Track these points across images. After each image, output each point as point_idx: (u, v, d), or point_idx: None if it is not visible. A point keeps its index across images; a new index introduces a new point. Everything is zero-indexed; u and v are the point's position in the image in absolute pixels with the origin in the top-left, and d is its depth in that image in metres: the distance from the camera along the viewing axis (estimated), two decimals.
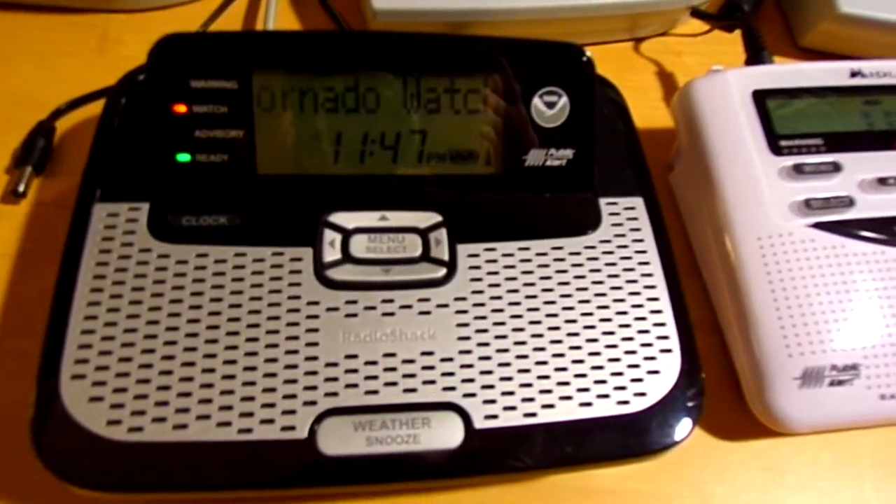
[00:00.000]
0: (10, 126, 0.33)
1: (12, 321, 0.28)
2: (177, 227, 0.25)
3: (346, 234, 0.26)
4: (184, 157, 0.26)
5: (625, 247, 0.27)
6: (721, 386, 0.29)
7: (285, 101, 0.26)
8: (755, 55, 0.35)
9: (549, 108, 0.28)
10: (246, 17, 0.39)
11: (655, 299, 0.26)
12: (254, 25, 0.38)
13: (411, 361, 0.24)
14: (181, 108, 0.26)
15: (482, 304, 0.25)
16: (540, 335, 0.25)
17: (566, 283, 0.26)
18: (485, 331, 0.25)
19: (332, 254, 0.26)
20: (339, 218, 0.26)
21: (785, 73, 0.31)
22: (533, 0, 0.36)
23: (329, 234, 0.26)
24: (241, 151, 0.26)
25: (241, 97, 0.26)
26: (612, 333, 0.25)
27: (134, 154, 0.27)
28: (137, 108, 0.27)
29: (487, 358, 0.24)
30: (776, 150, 0.30)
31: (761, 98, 0.31)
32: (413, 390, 0.23)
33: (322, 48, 0.26)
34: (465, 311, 0.25)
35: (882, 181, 0.29)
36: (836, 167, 0.29)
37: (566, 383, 0.24)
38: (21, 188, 0.30)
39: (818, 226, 0.28)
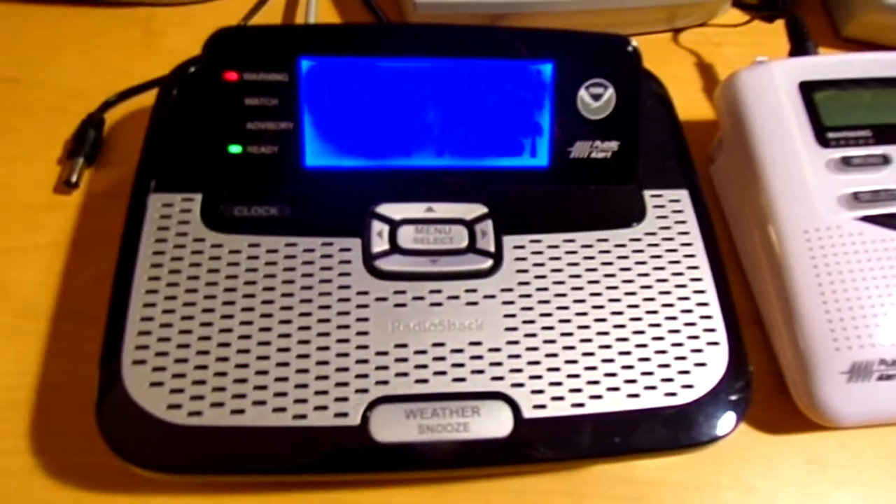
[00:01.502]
0: (60, 117, 0.33)
1: (68, 307, 0.29)
2: (229, 218, 0.26)
3: (394, 225, 0.27)
4: (235, 149, 0.26)
5: (670, 239, 0.27)
6: (763, 377, 0.29)
7: (333, 93, 0.27)
8: (800, 46, 0.34)
9: (595, 100, 0.28)
10: (286, 9, 0.39)
11: (702, 292, 0.26)
12: (294, 18, 0.39)
13: (460, 351, 0.24)
14: (233, 100, 0.26)
15: (528, 296, 0.25)
16: (586, 326, 0.25)
17: (612, 276, 0.26)
18: (531, 322, 0.25)
19: (380, 244, 0.26)
20: (386, 209, 0.27)
21: (832, 64, 0.31)
22: None
23: (377, 225, 0.26)
24: (290, 143, 0.27)
25: (291, 89, 0.26)
26: (658, 326, 0.25)
27: (186, 145, 0.27)
28: (190, 101, 0.28)
29: (534, 349, 0.24)
30: (823, 143, 0.29)
31: (808, 90, 0.30)
32: (462, 379, 0.24)
33: (371, 40, 0.27)
34: (511, 303, 0.25)
35: None
36: (884, 160, 0.29)
37: (613, 374, 0.24)
38: (74, 179, 0.31)
39: (866, 219, 0.28)
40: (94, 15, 0.37)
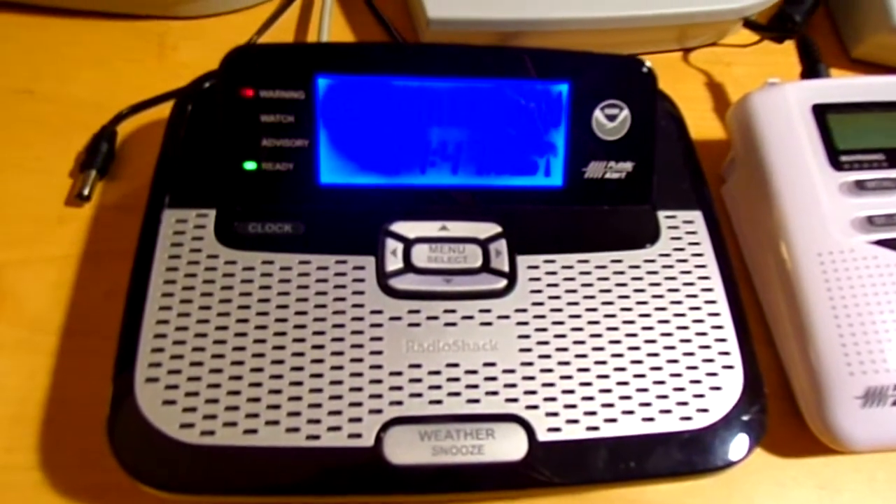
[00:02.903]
0: (73, 129, 0.33)
1: (79, 321, 0.29)
2: (243, 235, 0.26)
3: (408, 243, 0.27)
4: (250, 165, 0.26)
5: (684, 261, 0.27)
6: (775, 400, 0.29)
7: (349, 111, 0.27)
8: (811, 68, 0.35)
9: (611, 120, 0.28)
10: (299, 24, 0.39)
11: (716, 314, 0.26)
12: (307, 33, 0.39)
13: (474, 372, 0.24)
14: (249, 117, 0.26)
15: (542, 317, 0.25)
16: (601, 348, 0.25)
17: (626, 297, 0.26)
18: (546, 343, 0.25)
19: (394, 263, 0.26)
20: (400, 227, 0.27)
21: (845, 86, 0.31)
22: (585, 10, 0.36)
23: (391, 244, 0.26)
24: (305, 160, 0.27)
25: (307, 107, 0.26)
26: (672, 348, 0.25)
27: (201, 161, 0.27)
28: (205, 116, 0.28)
29: (549, 370, 0.24)
30: (837, 166, 0.29)
31: (821, 112, 0.30)
32: (476, 401, 0.24)
33: (387, 58, 0.27)
34: (525, 323, 0.25)
35: None
36: None
37: (628, 397, 0.24)
38: (86, 192, 0.31)
39: (881, 243, 0.28)
40: (108, 28, 0.37)
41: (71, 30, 0.37)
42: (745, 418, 0.24)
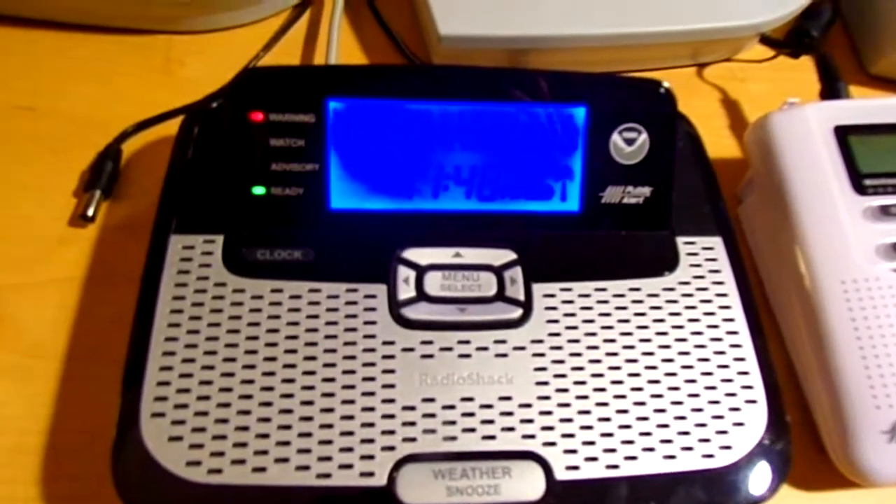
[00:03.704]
0: (77, 148, 0.33)
1: (83, 346, 0.28)
2: (251, 262, 0.25)
3: (420, 270, 0.26)
4: (259, 190, 0.26)
5: (704, 289, 0.26)
6: (797, 433, 0.28)
7: (360, 135, 0.26)
8: (831, 87, 0.34)
9: (629, 144, 0.27)
10: (306, 39, 0.39)
11: (738, 346, 0.25)
12: (314, 49, 0.38)
13: (489, 406, 0.23)
14: (258, 141, 0.25)
15: (559, 348, 0.25)
16: (620, 381, 0.24)
17: (645, 327, 0.25)
18: (563, 376, 0.24)
19: (406, 291, 0.25)
20: (412, 254, 0.26)
21: (868, 108, 0.30)
22: (599, 27, 0.35)
23: (403, 271, 0.26)
24: (315, 185, 0.26)
25: (317, 131, 0.26)
26: (694, 382, 0.24)
27: (208, 185, 0.26)
28: (212, 138, 0.27)
29: (566, 405, 0.24)
30: (860, 190, 0.29)
31: (843, 134, 0.30)
32: (492, 437, 0.23)
33: (399, 81, 0.26)
34: (542, 355, 0.24)
35: None
36: None
37: (648, 434, 0.23)
38: (90, 212, 0.30)
39: None
40: (112, 42, 0.37)
41: (74, 44, 0.36)
42: (769, 455, 0.24)
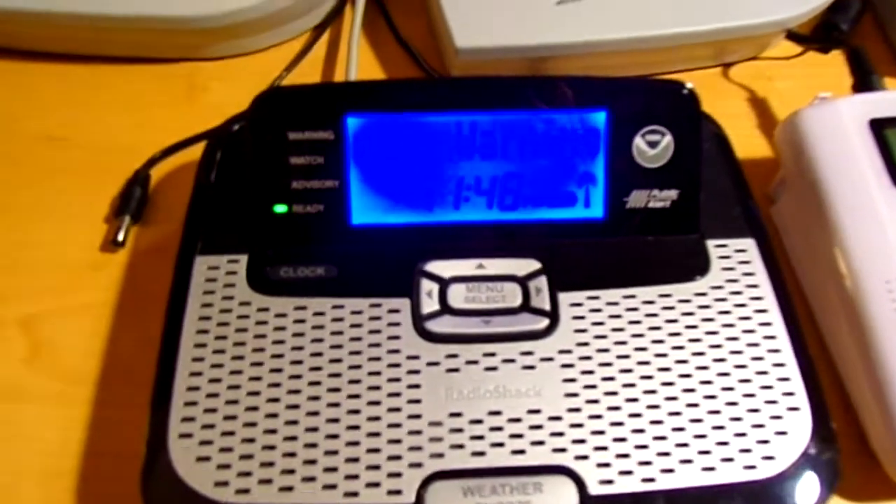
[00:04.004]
0: (106, 175, 0.34)
1: (115, 371, 0.28)
2: (275, 280, 0.25)
3: (444, 283, 0.26)
4: (281, 209, 0.26)
5: (738, 293, 0.26)
6: (843, 439, 0.27)
7: (380, 149, 0.26)
8: (864, 80, 0.33)
9: (652, 147, 0.26)
10: (326, 59, 0.39)
11: (777, 351, 0.24)
12: (335, 67, 0.39)
13: (518, 420, 0.23)
14: (279, 160, 0.26)
15: (588, 358, 0.24)
16: (653, 391, 0.23)
17: (677, 334, 0.25)
18: (593, 387, 0.23)
19: (430, 305, 0.25)
20: (435, 267, 0.26)
21: None
22: (618, 31, 0.35)
23: (426, 284, 0.25)
24: (336, 201, 0.26)
25: (337, 147, 0.26)
26: (731, 389, 0.23)
27: (231, 206, 0.27)
28: (234, 160, 0.28)
29: (598, 416, 0.23)
30: None
31: (879, 127, 0.28)
32: (521, 452, 0.22)
33: (417, 94, 0.26)
34: (570, 366, 0.24)
35: None
36: None
37: (685, 445, 0.22)
38: (120, 237, 0.31)
39: None
40: (137, 72, 0.38)
41: (101, 75, 0.37)
42: (815, 465, 0.22)
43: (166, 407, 0.23)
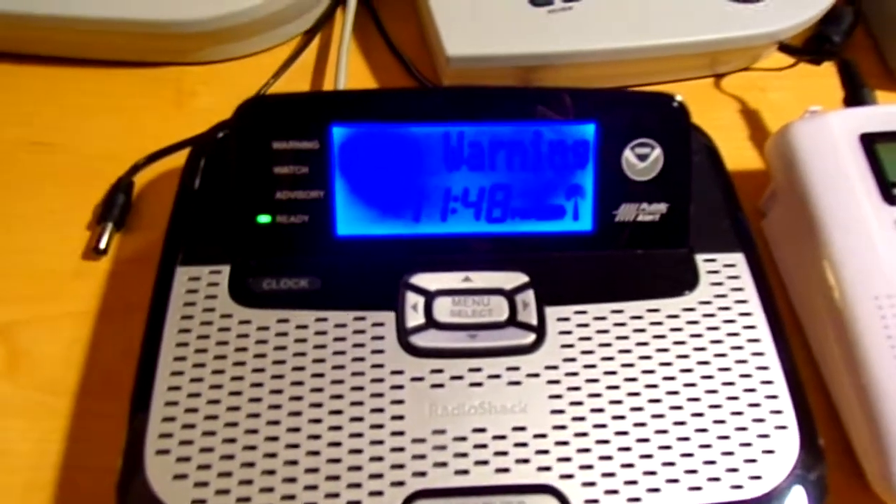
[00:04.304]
0: (89, 181, 0.33)
1: (94, 382, 0.28)
2: (257, 292, 0.25)
3: (429, 296, 0.25)
4: (264, 219, 0.25)
5: (727, 308, 0.25)
6: (831, 455, 0.27)
7: (366, 160, 0.26)
8: (855, 93, 0.33)
9: (642, 160, 0.26)
10: (316, 65, 0.39)
11: (765, 368, 0.24)
12: (324, 74, 0.38)
13: (503, 437, 0.22)
14: (262, 169, 0.25)
15: (575, 374, 0.24)
16: (640, 409, 0.23)
17: (665, 350, 0.24)
18: (580, 403, 0.23)
19: (415, 318, 0.25)
20: (421, 280, 0.25)
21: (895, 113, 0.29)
22: (610, 41, 0.35)
23: (411, 297, 0.25)
24: (320, 212, 0.26)
25: (322, 157, 0.25)
26: (719, 407, 0.23)
27: (214, 215, 0.26)
28: (218, 168, 0.27)
29: (584, 434, 0.23)
30: (890, 200, 0.27)
31: (870, 142, 0.28)
32: (506, 470, 0.22)
33: (404, 105, 0.26)
34: (557, 382, 0.23)
35: None
36: None
37: (672, 464, 0.22)
38: (102, 245, 0.30)
39: None
40: (125, 76, 0.37)
41: (86, 79, 0.37)
42: (803, 485, 0.22)
43: (143, 422, 0.22)
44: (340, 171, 0.25)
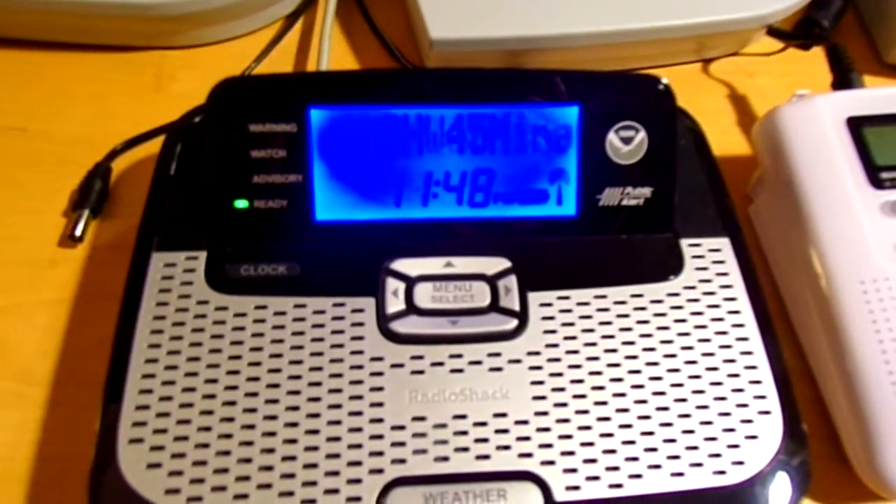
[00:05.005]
0: (66, 167, 0.32)
1: (70, 371, 0.27)
2: (234, 278, 0.24)
3: (410, 282, 0.25)
4: (241, 204, 0.25)
5: (712, 293, 0.25)
6: (816, 441, 0.26)
7: (345, 143, 0.25)
8: (844, 77, 0.32)
9: (626, 143, 0.26)
10: (298, 49, 0.38)
11: (749, 353, 0.24)
12: (307, 58, 0.38)
13: (483, 424, 0.22)
14: (239, 153, 0.25)
15: (557, 360, 0.23)
16: (622, 394, 0.23)
17: (649, 336, 0.24)
18: (561, 389, 0.23)
19: (395, 304, 0.24)
20: (401, 265, 0.25)
21: (883, 97, 0.29)
22: (597, 24, 0.34)
23: (392, 283, 0.25)
24: (299, 197, 0.25)
25: (300, 140, 0.25)
26: (702, 392, 0.23)
27: (190, 200, 0.26)
28: (194, 153, 0.27)
29: (566, 420, 0.22)
30: (877, 184, 0.27)
31: (857, 125, 0.28)
32: (486, 457, 0.22)
33: (384, 86, 0.25)
34: (539, 368, 0.23)
35: None
36: None
37: (654, 450, 0.22)
38: (78, 232, 0.30)
39: None
40: (102, 60, 0.36)
41: (65, 63, 0.36)
42: (786, 470, 0.22)
43: (117, 410, 0.22)
44: (319, 154, 0.25)
